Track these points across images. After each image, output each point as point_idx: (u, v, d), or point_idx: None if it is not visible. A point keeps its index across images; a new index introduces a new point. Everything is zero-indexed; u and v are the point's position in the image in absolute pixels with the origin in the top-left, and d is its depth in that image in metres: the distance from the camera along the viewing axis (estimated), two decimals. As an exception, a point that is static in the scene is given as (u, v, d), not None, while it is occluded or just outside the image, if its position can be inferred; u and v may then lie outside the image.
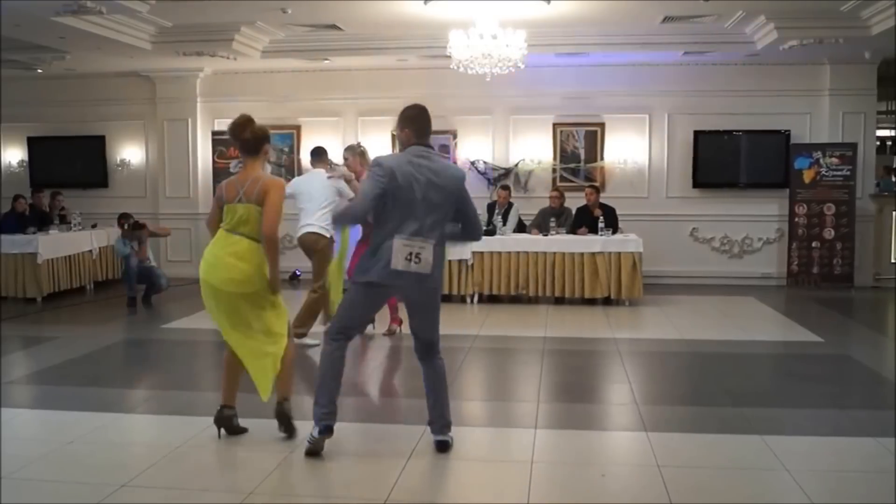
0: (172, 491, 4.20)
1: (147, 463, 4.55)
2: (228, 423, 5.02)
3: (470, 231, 4.80)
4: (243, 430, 5.07)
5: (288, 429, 4.96)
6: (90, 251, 11.67)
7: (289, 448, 4.80)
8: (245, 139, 4.89)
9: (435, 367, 4.79)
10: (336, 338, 4.67)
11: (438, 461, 4.66)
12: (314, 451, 4.62)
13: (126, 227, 10.51)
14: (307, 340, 7.61)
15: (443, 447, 4.74)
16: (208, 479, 4.44)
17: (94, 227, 12.02)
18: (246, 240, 4.78)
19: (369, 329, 8.15)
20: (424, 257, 4.45)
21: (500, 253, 10.34)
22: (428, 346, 4.77)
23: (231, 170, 12.08)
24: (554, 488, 4.31)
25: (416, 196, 4.45)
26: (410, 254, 4.43)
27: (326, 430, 4.61)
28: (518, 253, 10.31)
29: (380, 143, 11.96)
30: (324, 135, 12.52)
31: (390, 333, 8.22)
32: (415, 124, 4.64)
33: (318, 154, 8.12)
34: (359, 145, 8.35)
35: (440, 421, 4.78)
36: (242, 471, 4.45)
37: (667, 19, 9.88)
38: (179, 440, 4.94)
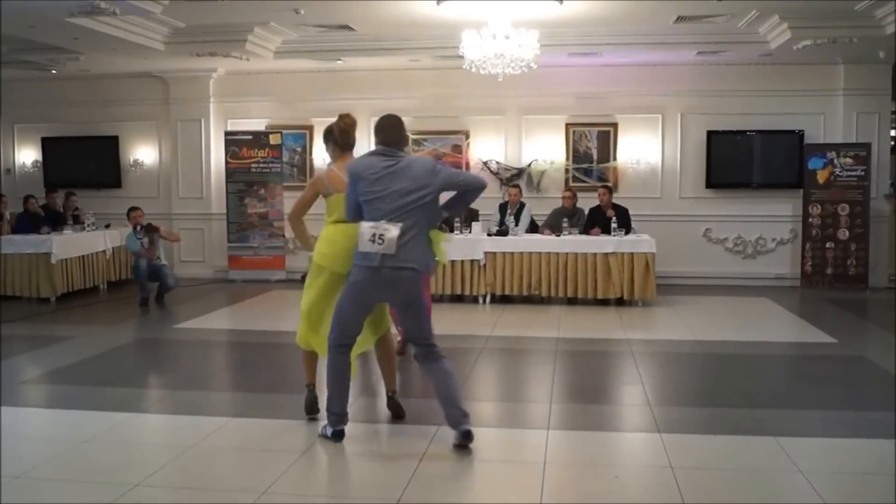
0: (186, 490, 4.21)
1: (160, 462, 4.57)
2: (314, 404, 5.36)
3: (465, 194, 4.93)
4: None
5: (398, 413, 5.40)
6: (104, 251, 11.72)
7: (302, 448, 4.81)
8: (337, 134, 5.27)
9: (436, 366, 4.85)
10: (338, 348, 4.87)
11: (451, 462, 4.66)
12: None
13: (139, 227, 10.55)
14: None
15: (466, 436, 4.74)
16: (221, 478, 4.45)
17: (107, 227, 12.07)
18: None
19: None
20: (388, 238, 4.58)
21: (512, 253, 10.33)
22: (424, 347, 4.86)
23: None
24: (567, 489, 4.30)
25: (379, 188, 4.66)
26: (374, 235, 4.60)
27: (340, 436, 4.92)
28: (530, 253, 10.29)
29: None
30: (336, 135, 12.53)
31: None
32: (382, 134, 4.88)
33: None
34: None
35: (456, 413, 4.78)
36: (255, 470, 4.45)
37: (680, 19, 9.85)
38: (192, 440, 4.95)
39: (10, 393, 6.12)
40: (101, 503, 3.99)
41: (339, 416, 4.91)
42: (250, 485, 4.22)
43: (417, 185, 4.69)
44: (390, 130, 4.88)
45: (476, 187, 4.92)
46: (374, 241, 4.59)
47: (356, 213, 4.79)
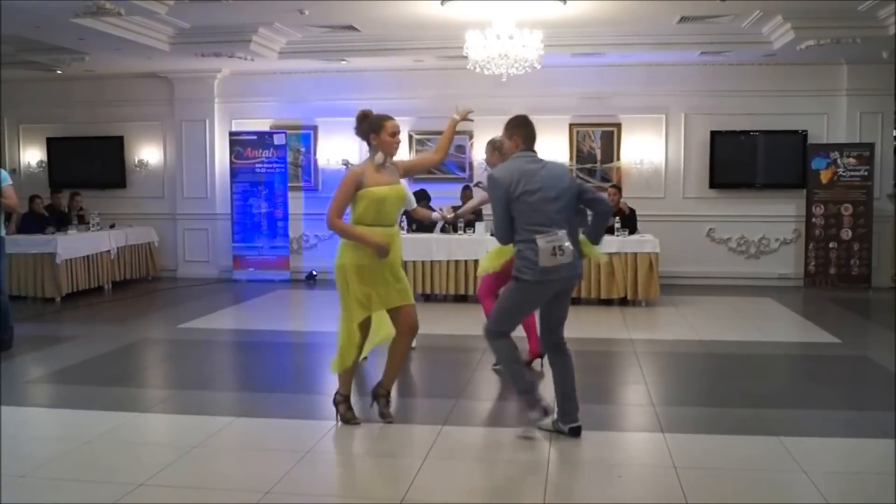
0: (189, 490, 4.22)
1: (164, 462, 4.58)
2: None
3: (602, 216, 5.04)
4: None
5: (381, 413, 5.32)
6: (108, 251, 11.74)
7: (305, 447, 4.82)
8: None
9: (566, 359, 5.04)
10: (501, 335, 5.02)
11: (454, 461, 4.67)
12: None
13: None
14: None
15: (576, 432, 4.95)
16: (225, 478, 4.45)
17: (112, 227, 12.10)
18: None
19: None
20: (566, 248, 4.68)
21: (516, 253, 10.30)
22: (558, 340, 5.05)
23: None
24: (570, 489, 4.31)
25: (537, 195, 4.71)
26: (555, 248, 4.65)
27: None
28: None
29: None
30: (341, 135, 12.56)
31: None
32: (522, 131, 5.00)
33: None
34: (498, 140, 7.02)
35: (571, 408, 4.99)
36: (259, 470, 4.46)
37: (683, 19, 9.86)
38: (197, 439, 4.96)
39: (15, 393, 6.15)
40: (105, 503, 4.00)
41: (530, 393, 4.99)
42: (254, 484, 4.23)
43: (564, 188, 4.80)
44: (528, 129, 5.00)
45: (608, 209, 5.06)
46: (555, 255, 4.65)
47: (508, 237, 4.82)
